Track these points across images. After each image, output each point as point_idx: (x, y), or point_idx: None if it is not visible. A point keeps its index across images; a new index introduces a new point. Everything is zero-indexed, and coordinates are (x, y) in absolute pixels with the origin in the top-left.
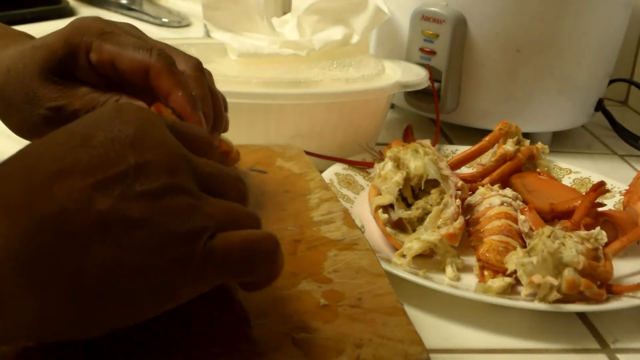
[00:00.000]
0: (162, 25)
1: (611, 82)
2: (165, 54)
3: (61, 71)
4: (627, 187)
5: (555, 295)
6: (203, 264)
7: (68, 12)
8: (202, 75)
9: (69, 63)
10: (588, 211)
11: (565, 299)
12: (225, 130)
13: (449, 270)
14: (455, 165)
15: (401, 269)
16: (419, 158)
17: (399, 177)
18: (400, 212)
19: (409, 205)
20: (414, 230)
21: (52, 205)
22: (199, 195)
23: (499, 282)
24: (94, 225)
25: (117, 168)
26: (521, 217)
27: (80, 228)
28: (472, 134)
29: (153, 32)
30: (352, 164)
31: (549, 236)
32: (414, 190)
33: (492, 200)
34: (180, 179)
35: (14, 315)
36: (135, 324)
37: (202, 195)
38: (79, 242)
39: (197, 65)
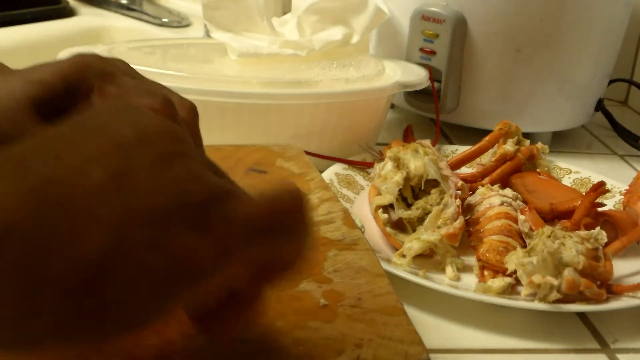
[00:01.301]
0: (162, 25)
1: (611, 82)
2: (169, 100)
3: (55, 108)
4: (627, 187)
5: (555, 295)
6: (224, 234)
7: (68, 12)
8: (197, 120)
9: (66, 101)
10: (588, 211)
11: (565, 299)
12: None
13: (449, 270)
14: (455, 165)
15: (401, 269)
16: (419, 158)
17: (399, 177)
18: (400, 212)
19: (409, 205)
20: (414, 230)
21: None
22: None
23: (499, 282)
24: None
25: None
26: (521, 217)
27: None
28: (472, 134)
29: (153, 32)
30: (352, 164)
31: (549, 236)
32: (414, 190)
33: (492, 200)
34: (183, 145)
35: None
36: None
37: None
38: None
39: (193, 109)
